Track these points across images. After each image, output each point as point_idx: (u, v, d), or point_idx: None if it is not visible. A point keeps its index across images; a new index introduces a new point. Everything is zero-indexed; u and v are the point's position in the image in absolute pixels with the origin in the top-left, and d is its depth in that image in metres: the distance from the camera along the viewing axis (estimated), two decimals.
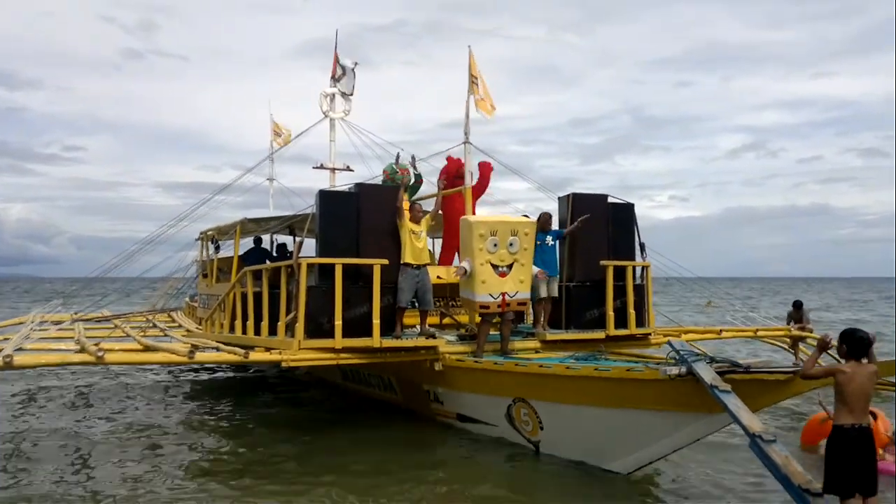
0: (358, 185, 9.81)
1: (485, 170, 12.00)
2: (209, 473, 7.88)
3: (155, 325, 14.76)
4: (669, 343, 7.18)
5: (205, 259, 15.55)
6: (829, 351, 5.62)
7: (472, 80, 10.64)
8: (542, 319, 10.34)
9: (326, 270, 9.02)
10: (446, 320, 11.18)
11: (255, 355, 8.84)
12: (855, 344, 5.20)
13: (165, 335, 13.53)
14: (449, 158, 11.83)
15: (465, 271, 9.15)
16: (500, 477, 7.94)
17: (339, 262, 8.91)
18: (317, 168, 15.56)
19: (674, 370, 6.41)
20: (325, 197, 9.46)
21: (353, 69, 14.73)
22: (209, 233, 14.63)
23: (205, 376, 15.40)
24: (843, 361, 5.26)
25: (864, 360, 5.18)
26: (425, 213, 9.78)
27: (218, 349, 9.48)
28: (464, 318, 10.89)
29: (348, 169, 15.79)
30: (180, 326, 15.78)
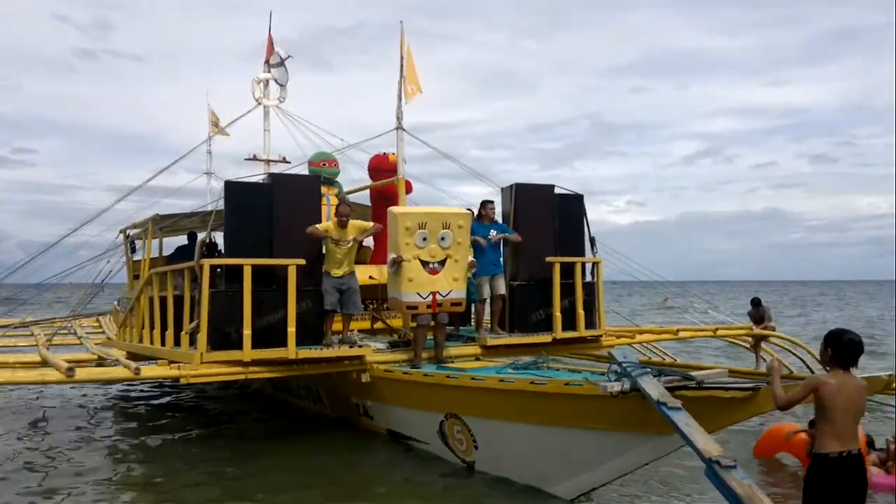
0: (271, 175, 8.74)
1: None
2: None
3: (74, 333, 13.72)
4: (610, 353, 6.23)
5: (132, 259, 14.34)
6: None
7: (401, 59, 9.64)
8: (483, 322, 9.41)
9: (234, 272, 7.93)
10: (378, 325, 10.14)
11: (149, 371, 7.75)
12: (843, 349, 4.15)
13: (81, 343, 12.47)
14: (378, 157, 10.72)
15: (394, 260, 8.08)
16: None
17: (247, 263, 7.84)
18: (249, 160, 14.39)
19: (616, 386, 5.46)
20: (233, 188, 8.29)
21: (285, 59, 13.74)
22: (127, 231, 13.44)
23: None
24: (826, 370, 4.26)
25: (853, 370, 4.18)
26: (350, 210, 8.66)
27: (118, 362, 8.40)
28: (397, 323, 9.88)
29: (284, 161, 14.63)
30: (103, 333, 14.67)
